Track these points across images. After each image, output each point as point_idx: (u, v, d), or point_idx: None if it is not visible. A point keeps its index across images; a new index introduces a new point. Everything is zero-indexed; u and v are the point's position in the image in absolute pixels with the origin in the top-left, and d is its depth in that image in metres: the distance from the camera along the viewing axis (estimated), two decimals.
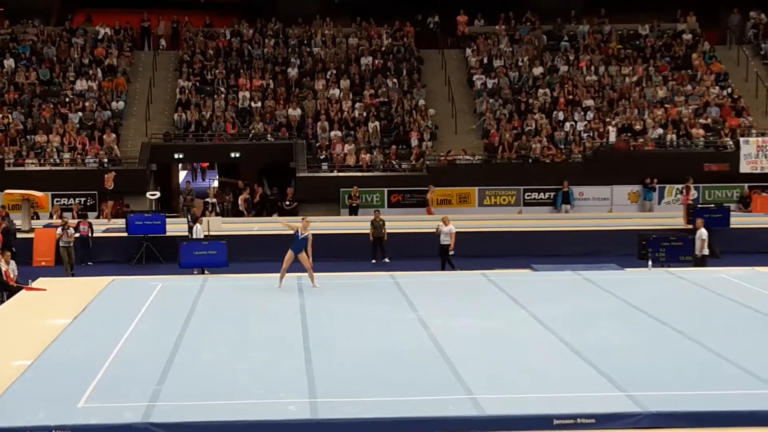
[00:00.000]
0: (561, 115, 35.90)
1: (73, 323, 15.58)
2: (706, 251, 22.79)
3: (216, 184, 38.09)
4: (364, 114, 35.83)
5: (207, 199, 32.27)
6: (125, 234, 26.21)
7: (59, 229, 24.44)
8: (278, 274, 18.79)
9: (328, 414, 10.87)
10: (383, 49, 39.45)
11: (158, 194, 32.51)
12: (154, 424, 10.53)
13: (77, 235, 24.93)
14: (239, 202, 32.61)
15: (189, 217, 26.77)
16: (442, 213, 28.32)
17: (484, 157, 34.22)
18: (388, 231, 26.09)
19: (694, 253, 22.74)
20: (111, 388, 11.81)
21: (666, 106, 36.45)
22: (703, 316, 16.22)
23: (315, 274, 18.92)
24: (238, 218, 31.46)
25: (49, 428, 10.43)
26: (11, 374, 12.35)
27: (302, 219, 19.54)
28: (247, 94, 36.66)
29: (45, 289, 18.80)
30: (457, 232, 24.08)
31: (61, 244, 24.36)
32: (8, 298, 18.59)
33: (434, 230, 24.45)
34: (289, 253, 18.57)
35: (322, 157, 34.17)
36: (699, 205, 29.17)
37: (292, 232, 18.79)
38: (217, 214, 30.97)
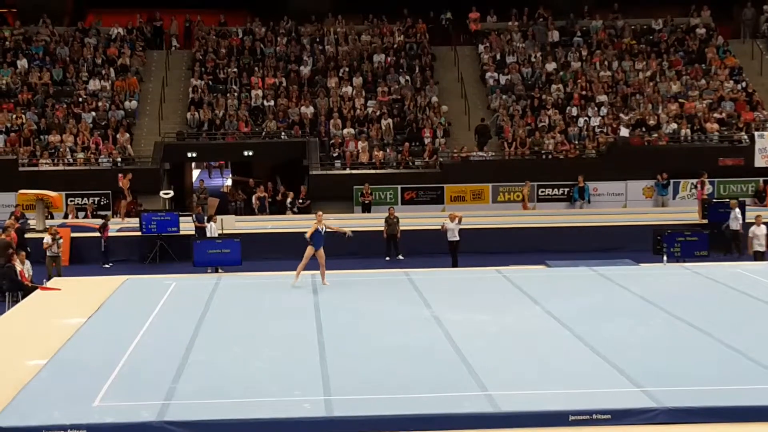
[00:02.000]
0: (574, 111, 35.79)
1: (87, 322, 15.62)
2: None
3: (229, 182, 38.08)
4: (377, 111, 35.79)
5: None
6: (139, 233, 26.25)
7: (49, 239, 22.82)
8: (293, 272, 18.76)
9: (342, 412, 10.85)
10: (396, 46, 39.40)
11: (172, 193, 32.53)
12: (169, 422, 10.54)
13: (98, 235, 25.00)
14: (253, 200, 32.62)
15: (194, 216, 26.67)
16: (457, 209, 28.21)
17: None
18: (401, 228, 26.07)
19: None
20: (126, 387, 11.83)
21: (680, 100, 36.29)
22: (718, 311, 16.14)
23: (329, 271, 18.92)
24: (252, 216, 31.48)
25: (64, 427, 10.45)
26: (26, 374, 12.39)
27: (316, 214, 19.35)
28: (260, 92, 36.65)
29: (60, 289, 18.85)
30: (471, 229, 24.00)
31: (48, 254, 22.75)
32: (23, 297, 18.64)
33: (439, 227, 24.30)
34: (309, 249, 18.54)
35: (335, 155, 34.15)
36: (714, 200, 29.04)
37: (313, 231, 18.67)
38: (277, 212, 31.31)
